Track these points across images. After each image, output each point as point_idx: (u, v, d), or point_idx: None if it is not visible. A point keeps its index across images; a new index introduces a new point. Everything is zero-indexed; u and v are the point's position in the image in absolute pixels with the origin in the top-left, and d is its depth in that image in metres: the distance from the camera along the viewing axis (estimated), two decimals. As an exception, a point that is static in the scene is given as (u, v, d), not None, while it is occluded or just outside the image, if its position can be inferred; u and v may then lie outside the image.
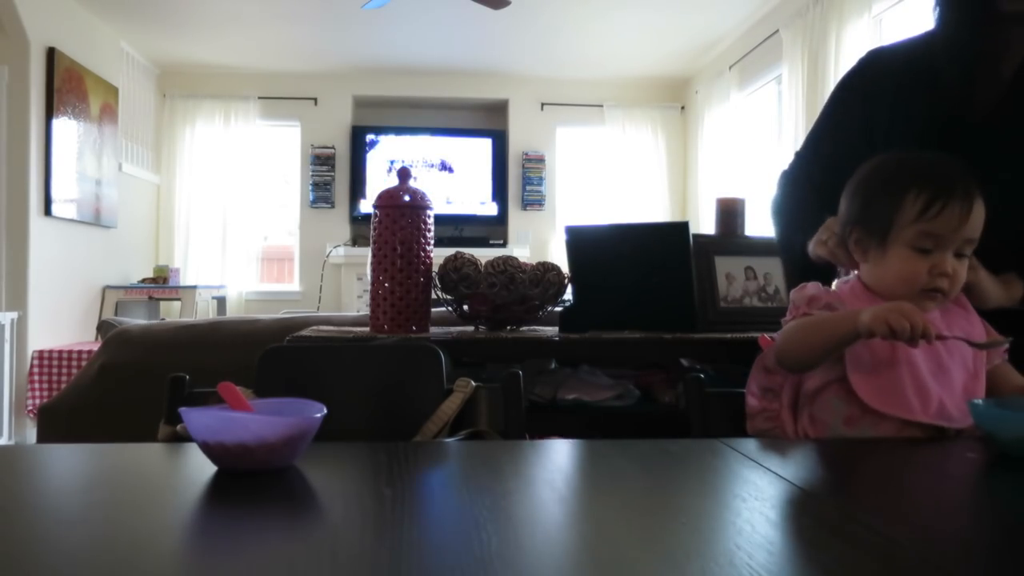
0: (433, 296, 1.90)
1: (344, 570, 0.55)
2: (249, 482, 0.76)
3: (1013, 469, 0.85)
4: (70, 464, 0.89)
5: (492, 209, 6.31)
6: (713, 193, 5.08)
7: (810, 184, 1.43)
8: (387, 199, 1.82)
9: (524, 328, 1.97)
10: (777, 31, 4.52)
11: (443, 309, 1.99)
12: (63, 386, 3.40)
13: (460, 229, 6.12)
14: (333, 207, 6.24)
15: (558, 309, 1.99)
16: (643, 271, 1.91)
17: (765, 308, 1.97)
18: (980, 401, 0.96)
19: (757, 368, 1.19)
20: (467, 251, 1.97)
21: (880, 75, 1.37)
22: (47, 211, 4.34)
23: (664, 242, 1.94)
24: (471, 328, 1.97)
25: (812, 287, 1.11)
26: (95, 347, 3.38)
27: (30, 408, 4.15)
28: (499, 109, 6.52)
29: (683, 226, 1.96)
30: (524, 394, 1.22)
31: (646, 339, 1.83)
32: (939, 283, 1.05)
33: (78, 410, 2.28)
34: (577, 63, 5.95)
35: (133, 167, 5.57)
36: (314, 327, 2.07)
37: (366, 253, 5.19)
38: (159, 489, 0.80)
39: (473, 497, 0.77)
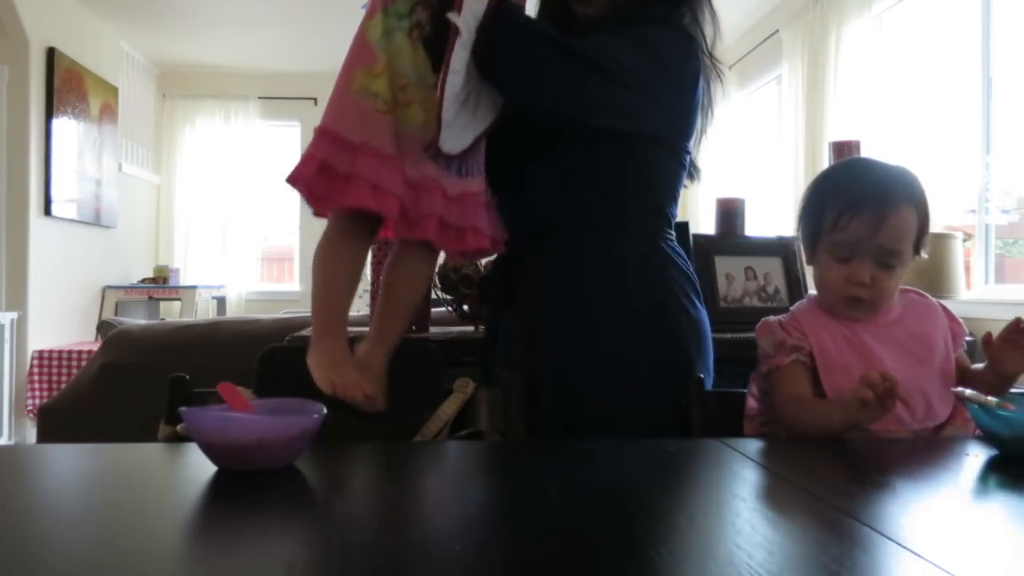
0: (433, 296, 1.90)
1: (344, 570, 0.55)
2: (249, 482, 0.76)
3: (1013, 469, 0.85)
4: (70, 464, 0.89)
5: (492, 209, 6.30)
6: (713, 193, 5.07)
7: None
8: (387, 199, 1.81)
9: (524, 328, 1.96)
10: (777, 31, 4.51)
11: (443, 309, 1.99)
12: (63, 386, 3.39)
13: (460, 229, 6.11)
14: (333, 207, 6.23)
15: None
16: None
17: (765, 308, 1.96)
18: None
19: (757, 371, 1.19)
20: (467, 251, 1.96)
21: None
22: (47, 211, 4.34)
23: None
24: (471, 328, 1.96)
25: (774, 325, 1.15)
26: (95, 347, 3.38)
27: (30, 408, 4.15)
28: (499, 109, 6.51)
29: (683, 226, 1.96)
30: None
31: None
32: (856, 291, 1.10)
33: (78, 410, 2.28)
34: (577, 63, 5.94)
35: (133, 167, 5.57)
36: (314, 327, 2.06)
37: (366, 253, 5.17)
38: (159, 489, 0.80)
39: (473, 497, 0.77)
